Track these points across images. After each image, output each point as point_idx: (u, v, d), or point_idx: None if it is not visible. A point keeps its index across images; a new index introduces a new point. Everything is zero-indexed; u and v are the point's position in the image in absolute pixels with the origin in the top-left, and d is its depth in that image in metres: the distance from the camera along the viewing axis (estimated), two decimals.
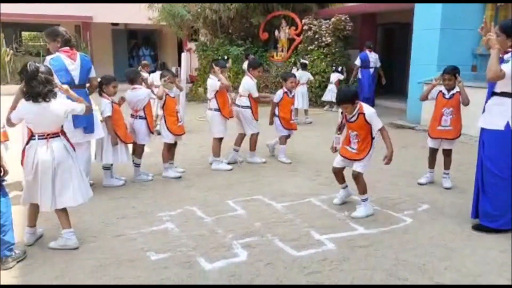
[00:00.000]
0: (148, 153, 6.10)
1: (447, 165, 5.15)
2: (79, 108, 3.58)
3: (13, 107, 3.59)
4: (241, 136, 6.24)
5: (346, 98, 4.14)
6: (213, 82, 5.79)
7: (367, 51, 10.89)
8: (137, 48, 21.79)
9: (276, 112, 6.28)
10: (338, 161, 4.42)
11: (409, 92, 9.53)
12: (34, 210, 3.57)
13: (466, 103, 4.90)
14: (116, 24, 19.75)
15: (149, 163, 5.93)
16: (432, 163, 5.26)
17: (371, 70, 10.91)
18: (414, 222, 4.12)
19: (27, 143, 3.45)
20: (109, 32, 20.11)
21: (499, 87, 3.70)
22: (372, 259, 3.39)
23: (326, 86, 11.25)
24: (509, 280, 3.09)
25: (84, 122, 4.63)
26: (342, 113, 4.33)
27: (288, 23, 13.33)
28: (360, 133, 4.20)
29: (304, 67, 10.11)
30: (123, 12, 17.36)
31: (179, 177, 5.50)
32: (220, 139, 5.93)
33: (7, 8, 15.02)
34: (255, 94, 6.06)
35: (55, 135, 3.43)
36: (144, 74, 8.30)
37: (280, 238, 3.75)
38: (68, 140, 3.56)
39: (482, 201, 3.90)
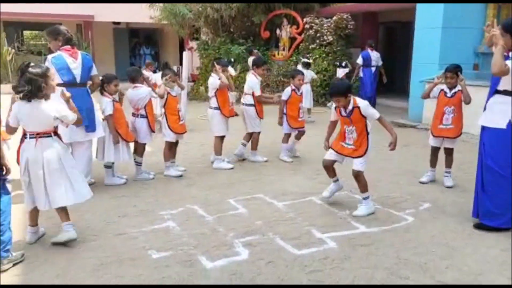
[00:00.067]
0: (150, 151, 6.11)
1: (448, 163, 5.15)
2: (71, 117, 3.55)
3: (11, 110, 3.60)
4: (250, 134, 6.23)
5: (339, 91, 4.10)
6: (213, 81, 5.79)
7: (369, 50, 10.87)
8: (138, 47, 21.80)
9: (284, 110, 6.23)
10: (330, 154, 4.37)
11: (410, 91, 9.51)
12: (35, 209, 3.57)
13: (468, 102, 4.90)
14: (118, 23, 19.78)
15: (150, 161, 5.94)
16: (433, 162, 5.26)
17: (373, 69, 10.89)
18: (415, 220, 4.12)
19: (21, 142, 3.47)
20: (110, 31, 20.14)
21: (503, 85, 3.67)
22: (373, 258, 3.38)
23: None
24: (509, 279, 3.09)
25: (86, 121, 4.63)
26: (335, 108, 4.31)
27: (289, 22, 13.33)
28: (357, 127, 4.16)
29: (307, 66, 10.08)
30: (124, 11, 17.41)
31: (181, 176, 5.50)
32: (222, 138, 5.94)
33: (9, 7, 15.05)
34: (258, 92, 6.05)
35: (45, 134, 3.43)
36: (147, 73, 8.32)
37: (281, 236, 3.75)
38: (61, 140, 3.57)
39: (483, 200, 3.89)
